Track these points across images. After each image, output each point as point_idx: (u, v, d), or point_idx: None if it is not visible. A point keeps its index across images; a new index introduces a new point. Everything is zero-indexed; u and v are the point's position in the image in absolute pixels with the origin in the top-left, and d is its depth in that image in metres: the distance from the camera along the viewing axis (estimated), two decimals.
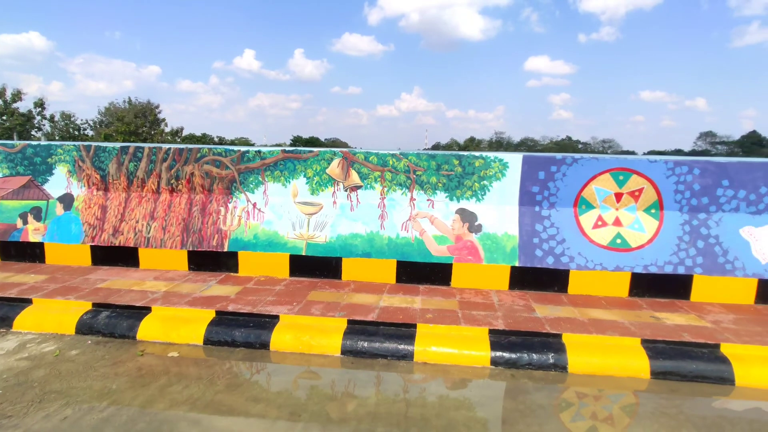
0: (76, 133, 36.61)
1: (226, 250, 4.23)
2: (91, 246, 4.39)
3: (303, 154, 4.23)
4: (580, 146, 70.60)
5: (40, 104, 33.08)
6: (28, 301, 3.44)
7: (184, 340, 3.13)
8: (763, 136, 58.76)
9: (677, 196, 3.79)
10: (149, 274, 4.17)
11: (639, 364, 2.82)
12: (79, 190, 4.54)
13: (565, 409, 2.47)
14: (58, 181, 4.56)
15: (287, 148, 4.28)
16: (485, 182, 4.02)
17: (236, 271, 4.24)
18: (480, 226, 4.01)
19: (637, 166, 3.81)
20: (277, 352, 3.04)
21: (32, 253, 4.48)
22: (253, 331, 3.12)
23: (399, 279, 4.06)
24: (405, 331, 3.10)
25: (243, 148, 4.32)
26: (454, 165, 4.04)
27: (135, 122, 36.53)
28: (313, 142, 67.72)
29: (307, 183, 4.25)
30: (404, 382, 2.72)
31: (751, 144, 57.76)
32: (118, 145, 4.46)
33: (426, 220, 4.08)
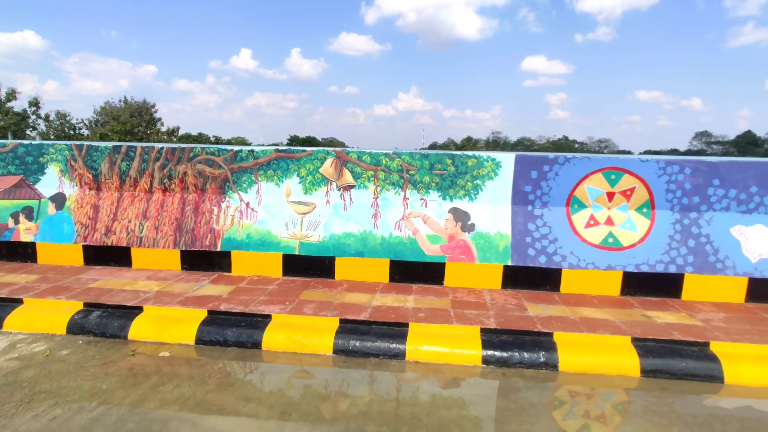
0: (72, 132, 36.44)
1: (219, 249, 4.23)
2: (84, 246, 4.37)
3: (296, 153, 4.22)
4: (576, 146, 70.85)
5: (35, 103, 32.89)
6: (19, 301, 3.42)
7: (176, 340, 3.12)
8: (758, 136, 59.12)
9: (669, 195, 3.82)
10: (142, 273, 4.16)
11: (629, 363, 2.83)
12: (71, 190, 4.52)
13: (556, 408, 2.48)
14: (50, 181, 4.54)
15: (280, 148, 4.27)
16: (478, 182, 4.03)
17: (229, 270, 4.24)
18: (473, 225, 4.02)
19: (629, 166, 3.83)
20: (269, 352, 3.03)
21: (24, 252, 4.46)
22: (245, 330, 3.12)
23: (392, 278, 4.07)
24: (397, 330, 3.11)
25: (236, 148, 4.31)
26: (447, 164, 4.05)
27: (131, 122, 36.40)
28: (310, 141, 67.62)
29: (300, 182, 4.24)
30: (396, 381, 2.73)
31: (746, 144, 58.09)
32: (110, 144, 4.44)
33: (419, 220, 4.09)
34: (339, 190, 4.21)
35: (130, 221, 4.37)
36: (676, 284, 3.77)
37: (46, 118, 34.66)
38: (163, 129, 39.46)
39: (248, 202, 4.29)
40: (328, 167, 4.19)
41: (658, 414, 2.42)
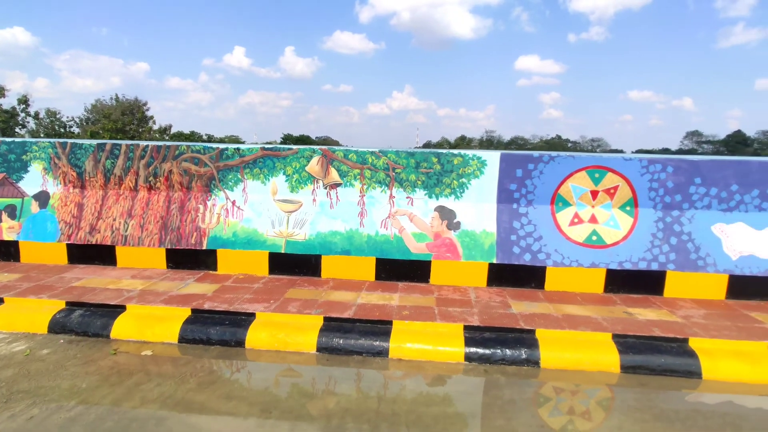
0: (62, 130, 36.00)
1: (204, 248, 4.21)
2: (68, 244, 4.34)
3: (282, 151, 4.21)
4: (569, 145, 71.27)
5: (24, 101, 32.44)
6: (0, 300, 3.39)
7: (159, 339, 3.11)
8: (747, 136, 59.82)
9: (651, 193, 3.85)
10: (126, 272, 4.13)
11: (609, 359, 2.86)
12: (55, 188, 4.48)
13: (537, 404, 2.50)
14: (34, 179, 4.49)
15: (266, 146, 4.26)
16: (464, 180, 4.04)
17: (215, 269, 4.22)
18: (459, 223, 4.04)
19: (613, 164, 3.86)
20: (252, 350, 3.03)
21: (6, 251, 4.41)
22: (229, 329, 3.11)
23: (378, 276, 4.07)
24: (381, 327, 3.12)
25: (222, 146, 4.29)
26: (433, 163, 4.06)
27: (122, 119, 36.01)
28: (303, 140, 67.39)
29: (286, 180, 4.24)
30: (378, 379, 2.73)
31: (736, 143, 58.77)
32: (94, 142, 4.40)
33: (405, 218, 4.10)
34: (325, 188, 4.21)
35: (114, 219, 4.34)
36: (659, 281, 3.81)
37: (36, 116, 34.21)
38: (155, 127, 39.10)
39: (234, 201, 4.27)
40: (314, 165, 4.19)
41: (639, 410, 2.45)
